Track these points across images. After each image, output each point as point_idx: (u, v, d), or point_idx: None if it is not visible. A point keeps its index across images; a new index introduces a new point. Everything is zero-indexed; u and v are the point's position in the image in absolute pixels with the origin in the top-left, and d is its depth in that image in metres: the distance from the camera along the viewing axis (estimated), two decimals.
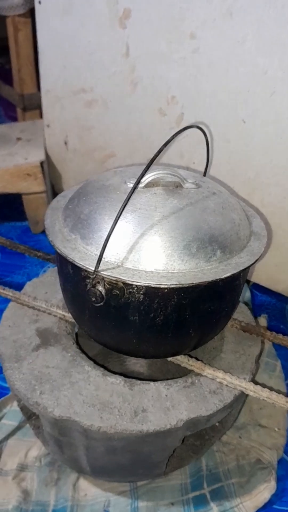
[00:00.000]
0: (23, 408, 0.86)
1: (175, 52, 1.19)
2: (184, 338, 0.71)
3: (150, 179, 0.70)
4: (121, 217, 0.65)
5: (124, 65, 1.33)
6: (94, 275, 0.62)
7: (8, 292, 0.90)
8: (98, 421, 0.69)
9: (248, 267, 0.68)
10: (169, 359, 0.80)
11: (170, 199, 0.68)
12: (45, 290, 0.94)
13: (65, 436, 0.72)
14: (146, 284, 0.61)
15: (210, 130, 1.20)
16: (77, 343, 0.85)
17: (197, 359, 0.79)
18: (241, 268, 0.66)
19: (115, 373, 0.78)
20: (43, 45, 1.51)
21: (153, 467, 0.76)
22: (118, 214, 0.60)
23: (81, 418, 0.69)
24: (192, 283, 0.62)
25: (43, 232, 1.75)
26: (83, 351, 0.82)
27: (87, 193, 0.72)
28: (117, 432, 0.68)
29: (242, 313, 0.92)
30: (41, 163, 1.61)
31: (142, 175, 0.61)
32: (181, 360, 0.79)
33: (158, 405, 0.72)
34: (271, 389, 0.76)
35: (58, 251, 0.67)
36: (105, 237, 0.62)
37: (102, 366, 0.79)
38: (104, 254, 0.64)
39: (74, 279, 0.69)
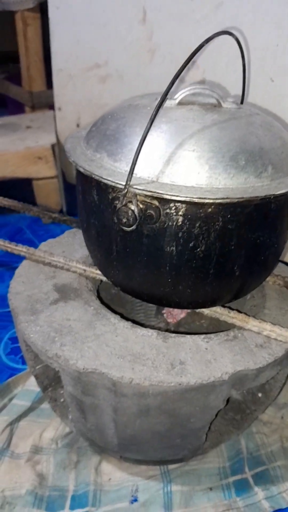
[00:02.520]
0: (38, 376, 0.75)
1: (197, 10, 1.12)
2: (227, 278, 0.61)
3: (184, 95, 0.61)
4: (154, 128, 0.56)
5: (141, 32, 1.27)
6: (126, 190, 0.53)
7: (22, 249, 0.81)
8: (129, 373, 0.58)
9: None
10: (206, 312, 0.69)
11: (209, 114, 0.59)
12: (62, 249, 0.84)
13: (90, 395, 0.61)
14: (188, 199, 0.52)
15: (235, 93, 1.12)
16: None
17: (239, 311, 0.68)
18: None
19: None
20: (54, 21, 1.45)
21: (192, 437, 0.65)
22: (152, 116, 0.51)
23: (110, 370, 0.58)
24: (243, 198, 0.52)
25: (54, 221, 1.67)
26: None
27: (113, 113, 0.63)
28: (152, 384, 0.57)
29: (284, 270, 0.82)
30: (53, 146, 1.53)
31: (176, 78, 0.52)
32: (221, 312, 0.68)
33: (198, 358, 0.61)
34: None
35: (82, 170, 0.57)
36: (135, 149, 0.53)
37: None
38: (136, 169, 0.55)
39: (100, 207, 0.59)
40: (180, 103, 0.62)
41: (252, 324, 0.66)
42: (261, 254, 0.61)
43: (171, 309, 1.01)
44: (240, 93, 1.02)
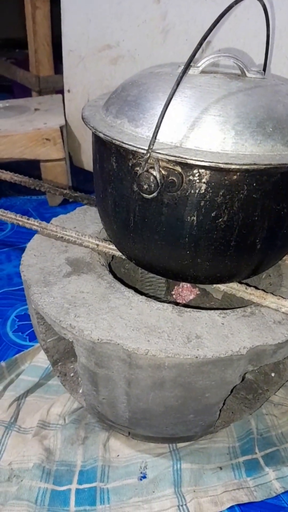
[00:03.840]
0: (48, 350, 0.74)
1: None
2: (248, 252, 0.60)
3: (208, 62, 0.60)
4: (178, 93, 0.55)
5: (155, 12, 1.25)
6: (148, 155, 0.51)
7: (34, 222, 0.79)
8: (145, 344, 0.57)
9: None
10: (223, 288, 0.68)
11: (234, 82, 0.58)
12: (74, 225, 0.83)
13: (103, 367, 0.60)
14: (213, 165, 0.50)
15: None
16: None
17: (256, 288, 0.67)
18: None
19: None
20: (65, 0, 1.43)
21: (205, 412, 0.64)
22: (178, 78, 0.50)
23: (125, 341, 0.57)
24: (271, 165, 0.51)
25: (61, 204, 1.65)
26: None
27: (133, 80, 0.62)
28: (168, 356, 0.56)
29: None
30: (61, 128, 1.51)
31: (201, 44, 0.51)
32: (238, 288, 0.67)
33: (215, 332, 0.60)
34: None
35: (102, 135, 0.56)
36: (158, 114, 0.51)
37: None
38: (158, 135, 0.53)
39: (119, 175, 0.58)
40: (203, 72, 0.61)
41: (270, 300, 0.65)
42: (284, 227, 0.60)
43: (180, 289, 1.00)
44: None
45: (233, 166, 0.50)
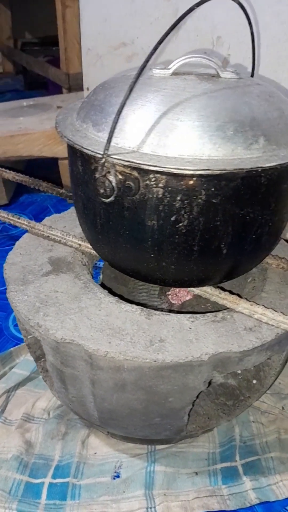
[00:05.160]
0: (30, 346, 0.76)
1: None
2: (214, 257, 0.59)
3: (179, 64, 0.59)
4: (140, 97, 0.55)
5: (167, 9, 1.24)
6: (103, 160, 0.51)
7: (23, 222, 0.81)
8: (105, 346, 0.57)
9: None
10: (197, 292, 0.67)
11: (203, 83, 0.57)
12: (64, 224, 0.84)
13: (69, 366, 0.61)
14: (166, 170, 0.50)
15: (259, 70, 1.07)
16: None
17: (231, 292, 0.66)
18: None
19: None
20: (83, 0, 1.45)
21: (172, 416, 0.63)
22: (131, 84, 0.49)
23: (86, 342, 0.58)
24: (225, 170, 0.49)
25: (61, 197, 1.67)
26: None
27: (105, 83, 0.62)
28: (127, 359, 0.56)
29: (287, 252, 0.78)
30: None
31: (159, 44, 0.50)
32: (211, 292, 0.66)
33: (180, 337, 0.60)
34: None
35: (66, 139, 0.56)
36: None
37: None
38: (118, 140, 0.53)
39: (85, 178, 0.58)
40: (177, 73, 0.60)
41: (243, 306, 0.63)
42: (252, 233, 0.58)
43: (177, 290, 1.00)
44: (268, 69, 0.98)
45: (186, 172, 0.49)
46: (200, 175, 0.50)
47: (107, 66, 1.48)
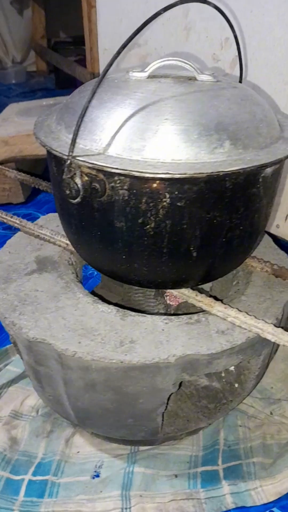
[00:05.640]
0: (15, 344, 0.77)
1: None
2: (184, 260, 0.58)
3: (155, 67, 0.59)
4: (111, 100, 0.55)
5: (178, 9, 1.23)
6: (69, 162, 0.52)
7: (15, 220, 0.83)
8: (74, 346, 0.58)
9: (266, 172, 0.55)
10: (175, 293, 0.67)
11: (176, 86, 0.57)
12: (57, 223, 0.85)
13: (42, 365, 0.62)
14: (127, 173, 0.50)
15: (267, 72, 1.05)
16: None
17: (211, 296, 0.65)
18: (255, 164, 0.52)
19: None
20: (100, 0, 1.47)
21: (144, 418, 0.64)
22: (94, 87, 0.50)
23: (56, 341, 0.59)
24: (185, 174, 0.49)
25: None
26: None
27: (83, 85, 0.63)
28: (94, 359, 0.57)
29: (277, 257, 0.77)
30: None
31: (122, 49, 0.50)
32: (188, 294, 0.66)
33: (151, 338, 0.60)
34: None
35: (39, 141, 0.58)
36: (89, 122, 0.52)
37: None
38: (87, 142, 0.54)
39: (58, 179, 0.59)
40: (154, 76, 0.60)
41: (218, 309, 0.63)
42: (221, 236, 0.57)
43: (174, 291, 1.00)
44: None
45: (147, 175, 0.50)
46: (161, 179, 0.51)
47: (122, 67, 1.49)
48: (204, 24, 1.19)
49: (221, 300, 0.65)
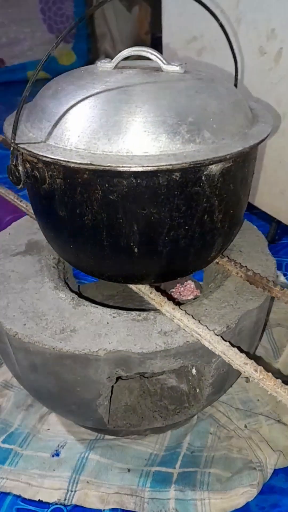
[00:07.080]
0: None
1: None
2: (127, 255, 0.57)
3: (121, 58, 0.59)
4: (62, 90, 0.56)
5: (230, 1, 1.20)
6: (12, 149, 0.54)
7: (22, 204, 0.88)
8: (18, 327, 0.61)
9: (210, 171, 0.52)
10: (134, 289, 0.67)
11: (134, 77, 0.56)
12: None
13: (1, 342, 0.66)
14: (54, 161, 0.51)
15: None
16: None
17: (170, 298, 0.64)
18: (188, 161, 0.49)
19: None
20: None
21: (85, 406, 0.64)
22: (32, 78, 0.51)
23: (5, 320, 0.62)
24: (110, 166, 0.49)
25: None
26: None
27: (53, 79, 0.64)
28: (30, 342, 0.59)
29: (263, 263, 0.72)
30: None
31: (58, 44, 0.50)
32: (144, 291, 0.65)
33: (92, 329, 0.60)
34: None
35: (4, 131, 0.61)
36: (47, 113, 0.54)
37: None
38: (34, 131, 0.57)
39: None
40: (123, 67, 0.60)
41: (166, 309, 0.61)
42: (163, 234, 0.55)
43: (182, 288, 0.98)
44: None
45: (72, 165, 0.50)
46: (87, 170, 0.51)
47: (180, 60, 1.48)
48: (253, 15, 1.14)
49: (167, 294, 0.63)
